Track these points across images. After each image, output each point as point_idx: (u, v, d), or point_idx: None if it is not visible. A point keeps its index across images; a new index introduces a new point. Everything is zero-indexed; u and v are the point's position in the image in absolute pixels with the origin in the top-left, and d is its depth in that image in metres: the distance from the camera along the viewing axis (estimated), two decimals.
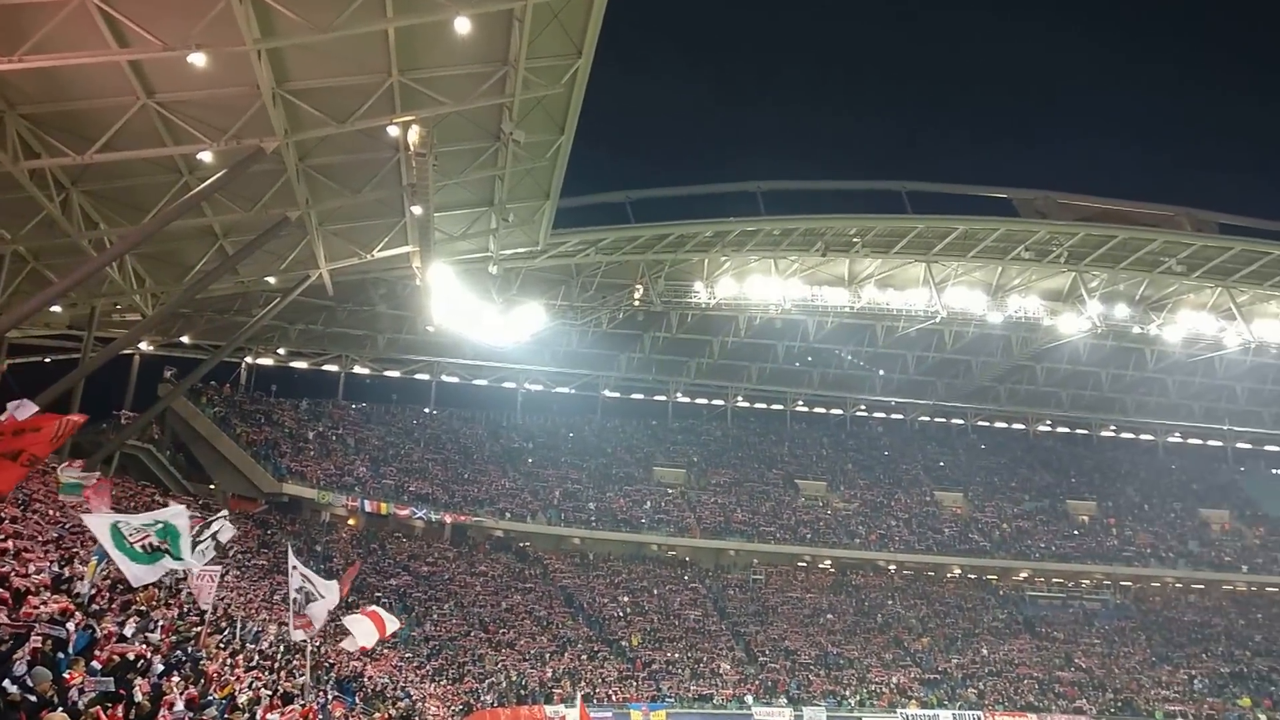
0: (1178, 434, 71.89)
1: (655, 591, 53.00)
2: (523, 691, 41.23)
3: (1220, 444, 71.94)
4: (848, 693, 47.08)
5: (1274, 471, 73.41)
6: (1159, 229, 51.03)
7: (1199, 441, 72.30)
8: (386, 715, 27.88)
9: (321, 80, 26.31)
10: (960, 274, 52.94)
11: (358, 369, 58.85)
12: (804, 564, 57.59)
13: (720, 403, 67.51)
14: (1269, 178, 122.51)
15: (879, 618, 54.20)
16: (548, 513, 54.70)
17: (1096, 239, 50.45)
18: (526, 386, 63.36)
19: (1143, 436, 72.61)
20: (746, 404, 68.23)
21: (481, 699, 38.81)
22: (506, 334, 48.93)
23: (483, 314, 46.81)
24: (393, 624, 26.05)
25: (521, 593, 50.01)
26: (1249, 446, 72.59)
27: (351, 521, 50.90)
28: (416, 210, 32.85)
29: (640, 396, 66.63)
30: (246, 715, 16.12)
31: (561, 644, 46.38)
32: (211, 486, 48.21)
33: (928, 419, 71.26)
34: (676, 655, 47.52)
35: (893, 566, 58.49)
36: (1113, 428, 72.09)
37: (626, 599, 51.78)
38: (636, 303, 53.45)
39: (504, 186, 35.71)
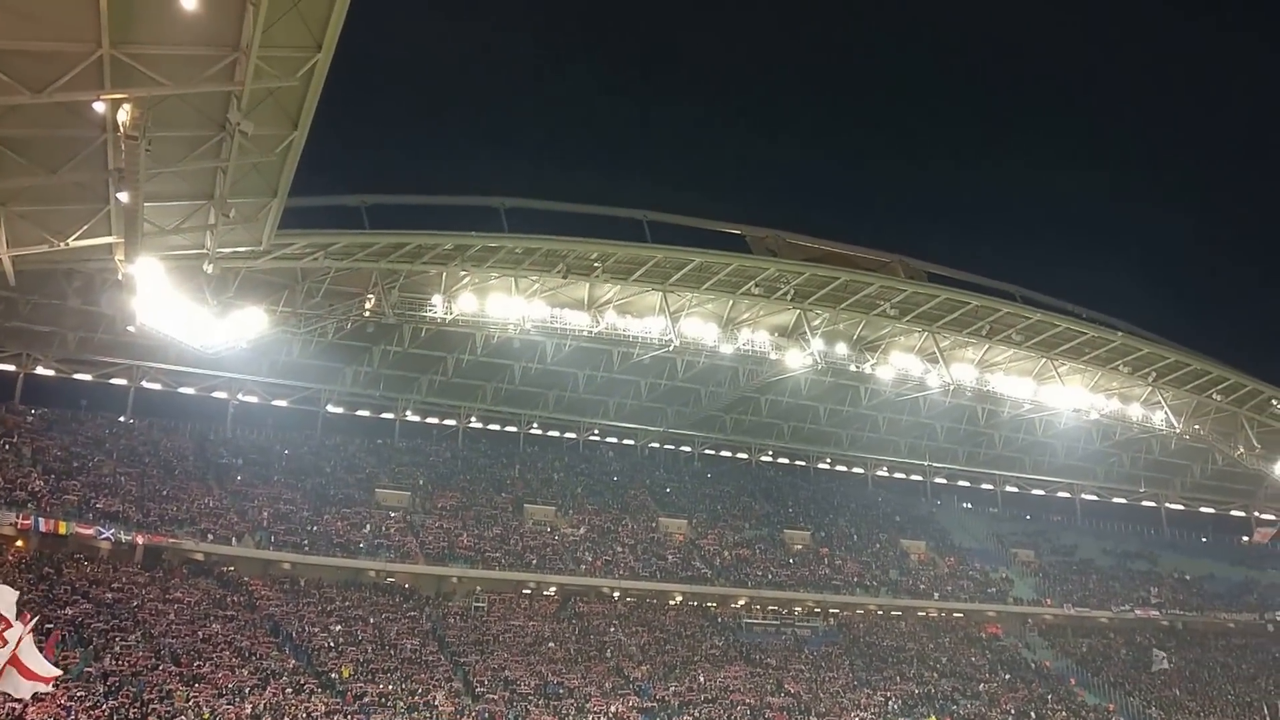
0: (885, 468, 77.06)
1: (371, 620, 50.10)
2: None
3: (920, 479, 77.70)
4: None
5: (965, 505, 79.98)
6: (877, 274, 54.56)
7: (903, 476, 77.80)
8: None
9: (13, 42, 22.95)
10: (695, 305, 54.37)
11: (41, 369, 52.73)
12: (529, 591, 56.41)
13: (452, 423, 65.55)
14: (976, 233, 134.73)
15: (602, 646, 53.92)
16: (256, 535, 50.64)
17: (821, 279, 53.24)
18: (240, 397, 58.91)
19: (854, 470, 77.19)
20: (480, 425, 66.71)
21: None
22: (219, 339, 45.08)
23: (194, 316, 42.78)
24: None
25: (222, 621, 45.71)
26: (944, 482, 78.97)
27: (20, 543, 44.68)
28: (123, 198, 29.51)
29: (366, 413, 63.64)
30: None
31: (264, 677, 42.64)
32: None
33: (657, 445, 72.45)
34: (390, 687, 44.94)
35: (617, 593, 58.42)
36: (828, 460, 76.29)
37: (339, 628, 48.54)
38: (367, 313, 50.86)
39: (227, 180, 32.64)
